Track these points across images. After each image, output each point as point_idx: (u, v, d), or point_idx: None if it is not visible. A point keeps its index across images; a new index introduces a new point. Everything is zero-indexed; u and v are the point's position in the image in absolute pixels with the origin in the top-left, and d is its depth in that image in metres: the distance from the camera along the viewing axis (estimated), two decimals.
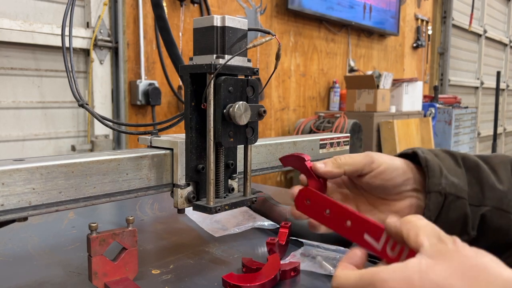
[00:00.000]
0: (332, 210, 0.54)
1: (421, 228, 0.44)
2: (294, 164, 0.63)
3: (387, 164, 0.61)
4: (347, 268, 0.47)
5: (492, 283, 0.38)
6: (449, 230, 0.57)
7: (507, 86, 8.02)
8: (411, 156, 0.64)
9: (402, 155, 0.65)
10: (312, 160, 0.63)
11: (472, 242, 0.62)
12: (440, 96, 5.20)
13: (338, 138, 1.01)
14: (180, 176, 0.66)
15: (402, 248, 0.46)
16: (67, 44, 0.74)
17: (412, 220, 0.46)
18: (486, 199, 0.61)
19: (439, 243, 0.43)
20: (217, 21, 0.64)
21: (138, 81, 2.52)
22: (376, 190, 0.63)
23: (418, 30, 5.47)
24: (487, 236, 0.62)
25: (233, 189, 0.73)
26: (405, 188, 0.63)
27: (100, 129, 2.42)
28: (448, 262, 0.40)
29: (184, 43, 2.81)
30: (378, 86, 3.72)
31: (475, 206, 0.61)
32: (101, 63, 2.42)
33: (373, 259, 0.58)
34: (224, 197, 0.70)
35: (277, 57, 0.66)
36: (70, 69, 0.73)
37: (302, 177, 0.63)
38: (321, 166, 0.61)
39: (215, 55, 0.64)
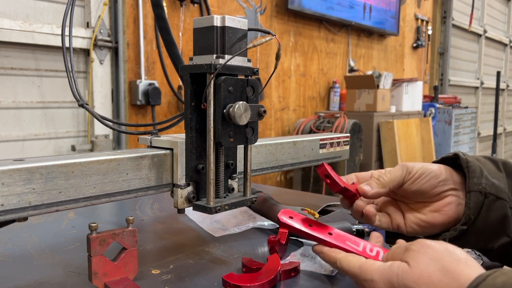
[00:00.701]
0: (314, 224, 0.63)
1: (398, 246, 0.53)
2: (331, 173, 0.66)
3: (422, 169, 0.64)
4: (345, 253, 0.56)
5: (448, 284, 0.44)
6: (489, 231, 0.62)
7: (507, 86, 8.02)
8: (451, 160, 0.66)
9: (442, 161, 0.68)
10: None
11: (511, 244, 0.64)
12: (440, 96, 5.20)
13: (338, 138, 1.01)
14: (180, 176, 0.66)
15: (378, 251, 0.57)
16: (67, 44, 0.74)
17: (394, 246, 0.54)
18: None
19: (414, 247, 0.49)
20: (217, 21, 0.64)
21: (138, 81, 2.52)
22: (414, 195, 0.66)
23: (418, 30, 5.47)
24: None
25: (233, 189, 0.73)
26: (443, 189, 0.64)
27: (100, 129, 2.42)
28: (418, 266, 0.47)
29: (184, 43, 2.81)
30: (378, 86, 3.72)
31: None
32: (101, 63, 2.42)
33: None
34: (224, 197, 0.70)
35: (277, 57, 0.66)
36: (70, 69, 0.73)
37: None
38: (368, 189, 0.65)
39: (215, 55, 0.64)
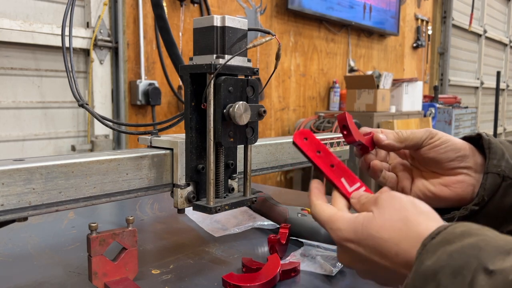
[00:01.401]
0: (323, 152, 0.61)
1: (371, 197, 0.52)
2: (350, 124, 0.64)
3: (445, 139, 0.63)
4: (322, 200, 0.56)
5: (409, 235, 0.45)
6: (501, 215, 0.61)
7: (507, 86, 8.02)
8: (474, 140, 0.65)
9: (465, 139, 0.66)
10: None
11: None
12: (440, 96, 5.20)
13: (338, 138, 1.01)
14: (180, 176, 0.66)
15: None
16: (67, 44, 0.74)
17: (368, 194, 0.54)
18: None
19: (382, 198, 0.50)
20: (217, 21, 0.64)
21: (138, 81, 2.52)
22: (429, 163, 0.65)
23: (418, 30, 5.47)
24: None
25: (233, 189, 0.73)
26: (459, 165, 0.63)
27: (100, 129, 2.42)
28: (382, 216, 0.48)
29: (184, 43, 2.81)
30: (378, 86, 3.72)
31: None
32: (101, 63, 2.42)
33: None
34: (224, 197, 0.70)
35: (277, 57, 0.66)
36: (70, 69, 0.73)
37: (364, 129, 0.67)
38: (383, 138, 0.64)
39: (215, 55, 0.64)
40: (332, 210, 0.54)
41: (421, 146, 0.64)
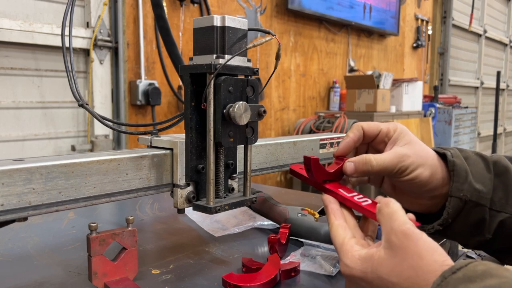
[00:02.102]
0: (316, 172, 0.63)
1: (387, 222, 0.50)
2: (313, 168, 0.64)
3: (414, 175, 0.62)
4: (340, 219, 0.57)
5: (418, 283, 0.45)
6: (465, 232, 0.63)
7: (507, 86, 8.02)
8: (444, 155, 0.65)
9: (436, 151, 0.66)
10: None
11: (487, 243, 0.65)
12: (440, 96, 5.20)
13: (338, 138, 1.01)
14: (180, 176, 0.66)
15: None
16: (67, 44, 0.74)
17: (384, 213, 0.51)
18: (509, 206, 0.62)
19: (394, 238, 0.48)
20: (217, 21, 0.64)
21: (138, 81, 2.52)
22: (398, 187, 0.67)
23: (418, 30, 5.47)
24: (503, 240, 0.64)
25: (233, 189, 0.73)
26: (426, 195, 0.65)
27: (100, 129, 2.42)
28: (393, 260, 0.47)
29: (184, 43, 2.81)
30: (378, 86, 3.72)
31: (495, 211, 0.62)
32: (101, 63, 2.42)
33: None
34: (224, 197, 0.70)
35: (277, 57, 0.66)
36: (70, 69, 0.73)
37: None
38: (350, 171, 0.63)
39: (215, 55, 0.64)
40: (344, 237, 0.54)
41: (390, 176, 0.64)
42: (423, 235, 0.48)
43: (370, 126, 0.66)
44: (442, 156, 0.65)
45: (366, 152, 0.67)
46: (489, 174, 0.64)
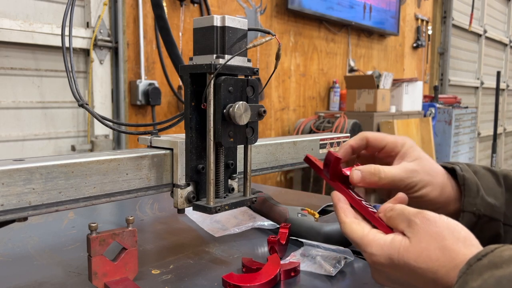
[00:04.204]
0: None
1: (403, 215, 0.51)
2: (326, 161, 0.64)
3: (423, 193, 0.61)
4: (352, 217, 0.56)
5: (446, 265, 0.45)
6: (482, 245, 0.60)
7: (507, 86, 8.02)
8: (451, 169, 0.64)
9: (443, 166, 0.65)
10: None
11: None
12: (440, 96, 5.20)
13: (338, 138, 1.01)
14: (180, 176, 0.66)
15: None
16: (67, 44, 0.74)
17: (396, 209, 0.52)
18: None
19: (416, 224, 0.49)
20: (217, 21, 0.64)
21: (138, 81, 2.52)
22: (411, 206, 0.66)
23: (418, 30, 5.47)
24: None
25: (233, 189, 0.73)
26: (440, 212, 0.64)
27: (100, 129, 2.42)
28: (418, 245, 0.47)
29: (184, 43, 2.81)
30: (378, 86, 3.72)
31: (510, 226, 0.62)
32: (101, 63, 2.42)
33: None
34: (224, 197, 0.70)
35: (277, 57, 0.66)
36: (70, 69, 0.73)
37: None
38: (357, 181, 0.62)
39: (215, 55, 0.64)
40: (363, 231, 0.53)
41: (400, 189, 0.62)
42: (442, 216, 0.48)
43: (376, 137, 0.65)
44: (451, 171, 0.64)
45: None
46: (500, 188, 0.63)
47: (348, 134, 1.05)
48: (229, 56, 0.63)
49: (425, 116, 4.50)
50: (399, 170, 0.61)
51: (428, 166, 0.62)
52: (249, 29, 0.68)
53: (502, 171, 0.66)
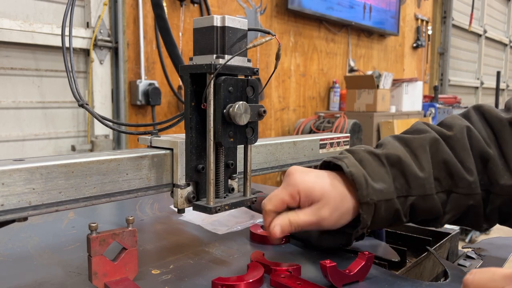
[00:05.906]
0: None
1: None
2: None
3: (334, 224, 0.66)
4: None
5: None
6: (385, 224, 0.68)
7: (507, 86, 8.02)
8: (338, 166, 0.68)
9: (328, 166, 0.70)
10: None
11: (407, 223, 0.71)
12: (440, 96, 5.20)
13: (338, 138, 1.01)
14: (180, 176, 0.66)
15: None
16: (67, 44, 0.74)
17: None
18: (412, 189, 0.66)
19: None
20: (217, 21, 0.64)
21: (138, 81, 2.52)
22: None
23: (418, 30, 5.47)
24: (418, 218, 0.68)
25: (233, 189, 0.73)
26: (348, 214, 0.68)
27: (100, 129, 2.42)
28: None
29: (184, 43, 2.81)
30: (378, 86, 3.72)
31: (403, 197, 0.66)
32: (101, 63, 2.42)
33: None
34: (224, 197, 0.70)
35: (277, 57, 0.66)
36: (70, 69, 0.73)
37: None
38: (277, 234, 0.66)
39: (215, 55, 0.64)
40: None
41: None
42: None
43: (275, 204, 0.67)
44: (339, 167, 0.67)
45: None
46: (384, 168, 0.67)
47: (348, 134, 1.05)
48: (229, 56, 0.63)
49: (425, 116, 4.50)
50: (308, 215, 0.66)
51: (329, 195, 0.66)
52: (249, 29, 0.68)
53: (382, 151, 0.69)
